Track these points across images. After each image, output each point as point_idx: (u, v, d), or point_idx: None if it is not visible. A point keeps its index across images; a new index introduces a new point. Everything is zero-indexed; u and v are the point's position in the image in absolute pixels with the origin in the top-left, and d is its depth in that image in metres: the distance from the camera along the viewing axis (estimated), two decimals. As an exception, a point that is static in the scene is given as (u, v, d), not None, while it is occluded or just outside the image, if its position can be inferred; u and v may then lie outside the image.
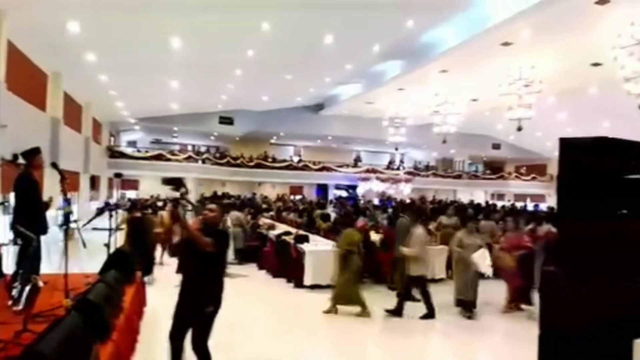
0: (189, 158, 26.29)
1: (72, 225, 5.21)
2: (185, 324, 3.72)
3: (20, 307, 3.99)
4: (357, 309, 6.82)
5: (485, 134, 29.94)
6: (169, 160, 25.33)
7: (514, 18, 10.81)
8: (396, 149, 29.10)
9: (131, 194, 26.64)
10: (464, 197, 28.16)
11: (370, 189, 29.33)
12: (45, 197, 5.73)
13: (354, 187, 30.42)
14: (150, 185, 24.65)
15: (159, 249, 9.81)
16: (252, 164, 27.93)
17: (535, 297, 6.41)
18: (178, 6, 10.59)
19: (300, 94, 22.54)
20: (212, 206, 4.02)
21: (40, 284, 4.04)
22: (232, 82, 18.16)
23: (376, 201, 25.02)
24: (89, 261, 6.42)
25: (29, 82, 12.66)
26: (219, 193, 24.26)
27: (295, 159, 31.35)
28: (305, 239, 9.27)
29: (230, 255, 9.98)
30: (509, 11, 10.80)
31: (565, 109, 21.43)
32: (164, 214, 10.41)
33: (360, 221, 10.09)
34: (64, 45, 11.98)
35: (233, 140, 29.21)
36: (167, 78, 16.79)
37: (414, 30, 13.21)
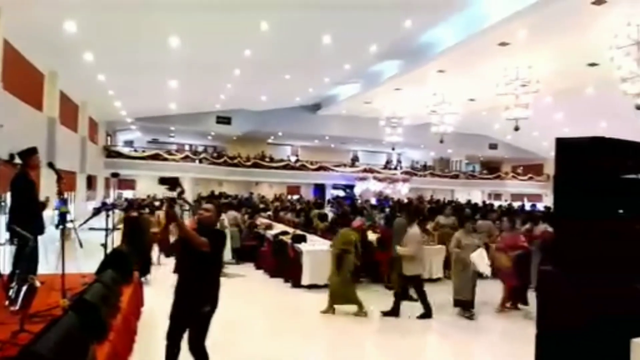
0: (186, 158, 26.26)
1: (69, 225, 5.19)
2: (181, 324, 3.71)
3: (17, 307, 3.98)
4: (354, 308, 6.83)
5: (483, 134, 30.01)
6: (166, 160, 25.29)
7: (511, 18, 10.84)
8: (393, 149, 29.13)
9: (128, 194, 26.59)
10: (461, 197, 28.23)
11: (367, 188, 29.36)
12: (41, 197, 5.71)
13: (351, 187, 30.45)
14: (147, 185, 24.61)
15: (155, 249, 9.79)
16: (249, 163, 27.92)
17: (532, 296, 6.42)
18: (176, 6, 10.57)
19: (299, 94, 22.54)
20: (208, 206, 4.01)
21: (37, 284, 4.03)
22: (231, 82, 18.15)
23: (373, 201, 25.03)
24: (85, 261, 6.40)
25: (25, 81, 12.61)
26: (216, 193, 24.23)
27: (293, 158, 31.34)
28: (302, 239, 9.27)
29: (228, 255, 9.96)
30: (506, 11, 10.83)
31: (562, 109, 21.51)
32: (161, 214, 10.40)
33: (358, 221, 10.08)
34: (60, 45, 11.94)
35: (230, 140, 29.18)
36: (165, 78, 16.76)
37: (411, 30, 13.22)
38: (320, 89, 21.82)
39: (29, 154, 5.31)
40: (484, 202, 24.57)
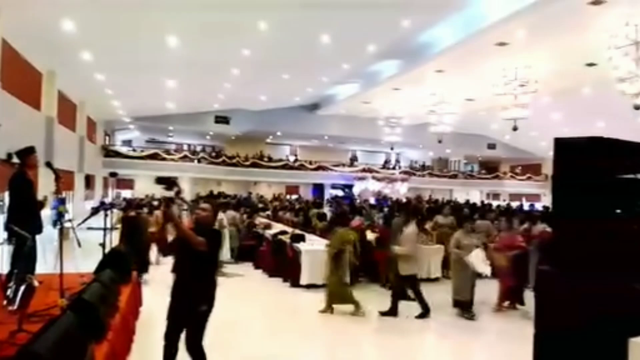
0: (184, 157, 26.24)
1: (67, 224, 5.18)
2: (179, 324, 3.71)
3: (15, 306, 3.97)
4: (352, 308, 6.83)
5: (481, 134, 30.05)
6: (164, 159, 25.29)
7: (509, 18, 10.85)
8: (391, 149, 29.17)
9: (126, 194, 26.56)
10: (460, 197, 28.27)
11: (366, 188, 29.38)
12: (39, 197, 5.70)
13: (350, 187, 30.46)
14: (145, 184, 24.57)
15: (154, 249, 9.78)
16: (248, 163, 27.90)
17: (531, 296, 6.43)
18: (175, 5, 10.56)
19: (297, 94, 22.53)
20: (205, 205, 4.01)
21: (35, 283, 4.02)
22: (229, 82, 18.14)
23: (372, 200, 25.05)
24: (84, 261, 6.39)
25: (23, 80, 12.59)
26: (215, 192, 24.22)
27: (292, 158, 31.34)
28: (301, 239, 9.27)
29: (227, 254, 9.96)
30: (504, 11, 10.84)
31: (560, 109, 21.54)
32: (159, 214, 10.38)
33: (356, 220, 10.10)
34: (58, 44, 11.92)
35: (229, 140, 29.17)
36: (164, 77, 16.75)
37: (410, 30, 13.23)
38: (319, 89, 21.82)
39: (27, 153, 5.30)
40: (482, 202, 24.61)
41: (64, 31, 10.94)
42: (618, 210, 3.01)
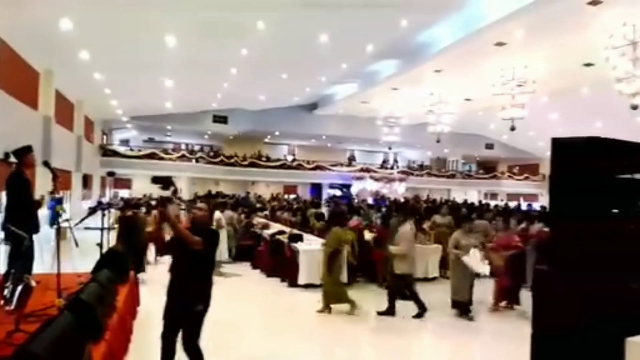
0: (182, 157, 26.21)
1: (64, 224, 5.17)
2: (175, 324, 3.71)
3: (12, 307, 3.96)
4: (348, 307, 6.84)
5: (479, 134, 30.11)
6: (162, 159, 25.25)
7: (507, 18, 10.87)
8: (389, 148, 29.20)
9: (124, 193, 26.51)
10: (457, 197, 28.29)
11: (364, 188, 29.38)
12: (37, 196, 5.68)
13: (348, 186, 30.47)
14: (143, 184, 24.53)
15: (152, 248, 9.77)
16: (246, 163, 27.89)
17: (528, 296, 6.45)
18: (173, 4, 10.55)
19: (296, 94, 22.53)
20: (201, 205, 4.02)
21: (33, 283, 4.01)
22: (227, 81, 18.12)
23: (370, 200, 25.06)
24: (81, 261, 6.38)
25: (20, 80, 12.55)
26: (213, 192, 24.20)
27: (290, 158, 31.33)
28: (299, 238, 9.26)
29: (225, 254, 9.95)
30: (502, 11, 10.86)
31: (558, 109, 21.60)
32: (157, 213, 10.36)
33: (354, 220, 10.11)
34: (56, 43, 11.89)
35: (227, 139, 29.15)
36: (162, 77, 16.72)
37: (408, 30, 13.24)
38: (317, 89, 21.82)
39: (24, 152, 5.28)
40: (480, 201, 24.64)
41: (62, 30, 10.90)
42: (615, 210, 3.02)
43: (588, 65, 14.42)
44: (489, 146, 31.90)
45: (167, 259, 3.89)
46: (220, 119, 25.08)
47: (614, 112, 15.20)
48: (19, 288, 3.92)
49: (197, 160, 26.37)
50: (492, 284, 7.45)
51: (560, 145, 3.18)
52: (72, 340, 2.96)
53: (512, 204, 25.28)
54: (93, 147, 22.89)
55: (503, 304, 7.40)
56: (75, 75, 15.05)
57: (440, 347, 6.08)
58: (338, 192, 30.95)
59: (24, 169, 5.26)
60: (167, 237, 4.05)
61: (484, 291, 7.42)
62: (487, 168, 35.71)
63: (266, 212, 16.05)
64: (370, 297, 7.77)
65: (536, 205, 24.30)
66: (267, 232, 10.75)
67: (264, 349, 5.42)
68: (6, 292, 4.22)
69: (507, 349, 5.48)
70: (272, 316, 6.91)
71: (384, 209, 14.10)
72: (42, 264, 5.52)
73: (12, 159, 5.39)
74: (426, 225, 10.61)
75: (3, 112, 10.09)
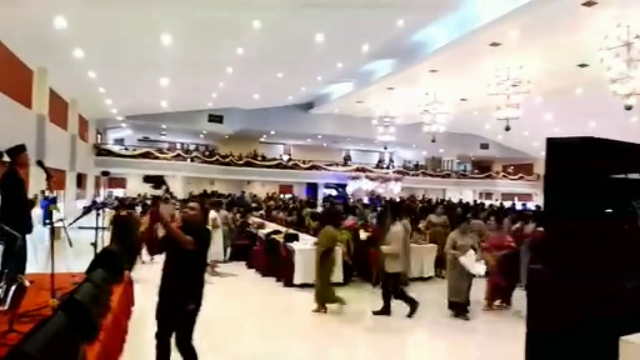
0: (177, 156, 26.13)
1: (58, 224, 5.14)
2: (168, 323, 3.70)
3: (5, 307, 3.93)
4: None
5: (474, 134, 30.20)
6: (157, 158, 25.16)
7: (502, 19, 10.92)
8: (385, 148, 29.22)
9: (118, 193, 26.40)
10: (453, 197, 28.39)
11: (359, 187, 29.43)
12: (30, 196, 5.65)
13: (343, 186, 30.49)
14: (137, 183, 24.38)
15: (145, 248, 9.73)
16: (241, 162, 27.84)
17: (521, 295, 6.47)
18: (169, 3, 10.50)
19: (291, 93, 22.51)
20: (193, 204, 4.00)
21: (27, 283, 3.98)
22: (223, 80, 18.07)
23: (366, 200, 25.09)
24: (75, 260, 6.35)
25: (13, 78, 12.46)
26: (208, 192, 24.14)
27: (285, 157, 31.30)
28: (295, 238, 9.27)
29: (221, 254, 9.92)
30: (497, 12, 10.90)
31: (552, 109, 21.71)
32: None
33: (350, 220, 10.12)
34: (50, 41, 11.80)
35: (222, 139, 29.08)
36: (157, 75, 16.65)
37: (404, 30, 13.27)
38: (313, 88, 21.82)
39: (18, 151, 5.24)
40: (475, 201, 24.74)
41: (56, 29, 10.82)
42: (609, 210, 3.03)
43: (583, 65, 14.50)
44: (484, 146, 32.02)
45: (161, 259, 3.87)
46: (216, 118, 25.00)
47: (608, 112, 15.29)
48: (13, 288, 3.90)
49: (192, 160, 26.29)
50: (484, 283, 7.47)
51: (554, 145, 3.19)
52: (66, 340, 2.94)
53: (507, 204, 25.41)
54: (87, 146, 22.76)
55: (497, 302, 7.43)
56: (70, 73, 14.96)
57: (436, 346, 6.10)
58: (334, 192, 30.97)
59: (17, 168, 5.22)
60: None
61: (476, 291, 7.43)
62: (482, 168, 35.85)
63: (262, 212, 16.04)
64: (366, 297, 7.78)
65: (531, 205, 24.44)
66: (262, 232, 10.74)
67: (259, 348, 5.41)
68: (0, 292, 4.18)
69: (502, 348, 5.51)
70: (268, 316, 6.91)
71: (379, 209, 14.12)
72: (36, 264, 5.49)
73: (6, 158, 5.35)
74: (422, 224, 10.65)
75: (-4, 110, 10.03)
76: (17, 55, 12.50)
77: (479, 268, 6.69)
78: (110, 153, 24.73)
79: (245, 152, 28.72)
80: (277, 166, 29.02)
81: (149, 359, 3.78)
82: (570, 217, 3.01)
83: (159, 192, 4.05)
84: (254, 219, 12.60)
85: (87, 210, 8.45)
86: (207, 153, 28.01)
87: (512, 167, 34.72)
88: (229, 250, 10.98)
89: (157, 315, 3.74)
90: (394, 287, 6.81)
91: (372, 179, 29.80)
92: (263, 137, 30.13)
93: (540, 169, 30.82)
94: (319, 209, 15.62)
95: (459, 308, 6.83)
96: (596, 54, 11.30)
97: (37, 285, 4.55)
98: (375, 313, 6.78)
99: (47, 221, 9.21)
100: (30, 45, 11.96)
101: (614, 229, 2.98)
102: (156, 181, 3.92)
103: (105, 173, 12.44)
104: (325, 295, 6.85)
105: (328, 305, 6.87)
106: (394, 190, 29.46)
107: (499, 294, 7.41)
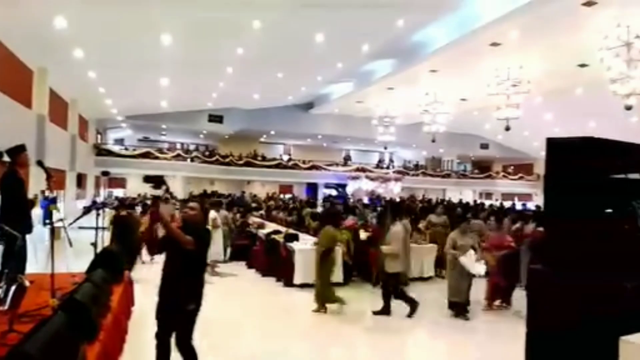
0: (177, 156, 26.13)
1: (58, 224, 5.13)
2: (168, 323, 3.70)
3: (5, 307, 3.93)
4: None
5: (474, 134, 30.20)
6: (157, 158, 25.15)
7: (502, 19, 10.91)
8: (385, 148, 29.22)
9: (118, 193, 26.40)
10: (453, 197, 28.39)
11: (359, 187, 29.43)
12: (30, 195, 5.64)
13: (343, 186, 30.50)
14: (137, 183, 24.38)
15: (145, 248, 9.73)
16: (241, 162, 27.83)
17: (521, 295, 6.47)
18: (169, 3, 10.50)
19: (291, 93, 22.51)
20: (193, 204, 4.00)
21: (27, 283, 3.98)
22: (223, 80, 18.07)
23: (366, 200, 25.09)
24: (75, 260, 6.35)
25: (13, 78, 12.46)
26: (209, 192, 24.14)
27: (285, 157, 31.30)
28: (295, 238, 9.27)
29: (221, 254, 9.92)
30: (497, 12, 10.90)
31: (552, 109, 21.70)
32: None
33: (350, 220, 10.11)
34: (50, 41, 11.80)
35: (222, 139, 29.08)
36: (157, 75, 16.65)
37: (404, 30, 13.27)
38: (313, 88, 21.81)
39: (18, 151, 5.24)
40: (475, 201, 24.74)
41: (56, 29, 10.82)
42: (609, 210, 3.03)
43: (583, 65, 14.50)
44: (484, 146, 32.02)
45: (161, 259, 3.87)
46: (216, 118, 24.99)
47: (608, 112, 15.29)
48: (13, 288, 3.90)
49: (192, 160, 26.29)
50: (484, 283, 7.47)
51: (555, 145, 3.19)
52: (66, 340, 2.94)
53: (507, 204, 25.41)
54: (87, 146, 22.76)
55: (497, 302, 7.43)
56: (70, 73, 14.96)
57: (436, 346, 6.10)
58: (334, 192, 30.97)
59: (17, 168, 5.22)
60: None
61: (476, 291, 7.43)
62: (482, 168, 35.85)
63: (262, 212, 16.04)
64: (366, 297, 7.78)
65: (531, 205, 24.44)
66: (262, 232, 10.74)
67: (259, 348, 5.41)
68: (0, 292, 4.18)
69: (502, 348, 5.51)
70: (268, 316, 6.91)
71: (379, 209, 14.12)
72: (36, 264, 5.49)
73: (6, 158, 5.35)
74: (422, 225, 10.65)
75: (-4, 110, 10.03)
76: (17, 55, 12.50)
77: (479, 268, 6.69)
78: (110, 153, 24.72)
79: (245, 152, 28.72)
80: (277, 166, 29.02)
81: (149, 359, 3.78)
82: (571, 217, 3.01)
83: (159, 192, 4.05)
84: (254, 219, 12.60)
85: (87, 210, 8.45)
86: (207, 153, 28.01)
87: (512, 167, 34.72)
88: (228, 250, 10.99)
89: (157, 315, 3.74)
90: (394, 287, 6.81)
91: (372, 179, 29.80)
92: (263, 137, 30.13)
93: (540, 169, 30.82)
94: (319, 209, 15.61)
95: (459, 308, 6.82)
96: (596, 54, 11.30)
97: (37, 285, 4.55)
98: (375, 313, 6.78)
99: (47, 221, 9.23)
100: (30, 45, 11.96)
101: (614, 229, 2.98)
102: (156, 181, 3.92)
103: (105, 173, 12.43)
104: (325, 295, 6.85)
105: (328, 305, 6.87)
106: (394, 190, 29.46)
107: (498, 294, 7.41)
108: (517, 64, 14.06)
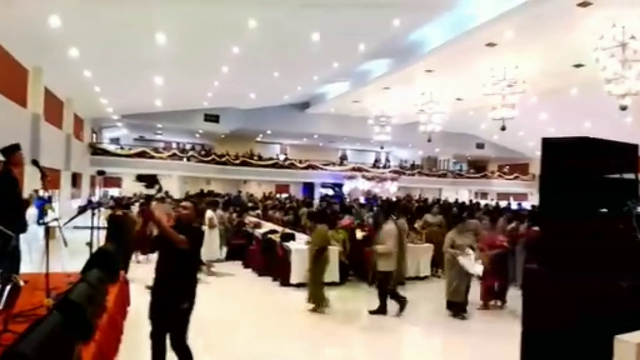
0: (173, 156, 26.05)
1: (53, 223, 5.10)
2: (162, 323, 3.70)
3: (0, 307, 3.90)
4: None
5: (470, 133, 30.29)
6: (152, 157, 25.06)
7: (498, 19, 10.95)
8: (381, 148, 29.27)
9: (114, 192, 26.28)
10: (449, 196, 28.47)
11: (356, 187, 29.45)
12: (25, 195, 5.61)
13: (340, 186, 30.51)
14: (133, 183, 24.25)
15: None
16: (237, 162, 27.78)
17: (518, 294, 6.49)
18: (164, 1, 10.46)
19: (287, 92, 22.49)
20: (186, 204, 4.01)
21: (21, 283, 3.96)
22: (219, 80, 18.03)
23: (362, 199, 25.11)
24: (70, 260, 6.31)
25: (8, 77, 12.39)
26: (205, 191, 24.08)
27: (282, 157, 31.28)
28: (291, 237, 9.26)
29: (217, 253, 9.90)
30: (493, 12, 10.93)
31: (548, 109, 21.79)
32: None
33: (346, 219, 10.12)
34: (45, 40, 11.73)
35: (218, 138, 29.02)
36: (153, 75, 16.59)
37: (400, 30, 13.28)
38: (309, 87, 21.80)
39: (12, 150, 5.20)
40: (470, 201, 24.81)
41: (51, 28, 10.75)
42: (604, 210, 3.05)
43: (578, 66, 14.56)
44: (480, 146, 32.12)
45: (155, 258, 3.86)
46: (212, 117, 24.94)
47: (603, 112, 15.39)
48: (7, 288, 3.87)
49: (188, 159, 26.24)
50: (478, 283, 7.48)
51: (550, 145, 3.21)
52: (61, 340, 2.93)
53: (503, 204, 25.49)
54: (82, 145, 22.66)
55: (493, 302, 7.44)
56: (65, 72, 14.88)
57: (432, 345, 6.11)
58: (330, 192, 30.98)
59: (12, 167, 5.19)
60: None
61: (471, 291, 7.45)
62: (478, 167, 35.96)
63: (258, 211, 16.01)
64: (362, 296, 7.79)
65: (526, 205, 24.54)
66: (259, 231, 10.72)
67: (256, 348, 5.40)
68: (-6, 292, 4.16)
69: (497, 348, 5.52)
70: (264, 315, 6.90)
71: (375, 208, 14.13)
72: (30, 264, 5.46)
73: (0, 158, 5.31)
74: (418, 224, 10.67)
75: (-9, 109, 9.97)
76: (12, 54, 12.43)
77: (478, 268, 6.70)
78: (105, 152, 24.63)
79: (242, 151, 28.67)
80: (274, 166, 29.00)
81: (145, 359, 3.77)
82: (566, 216, 3.03)
83: (151, 191, 4.05)
84: (250, 219, 12.58)
85: (82, 210, 8.40)
86: (203, 152, 27.95)
87: (507, 167, 34.86)
88: (224, 249, 10.98)
89: (150, 314, 3.74)
90: (381, 283, 6.80)
91: (368, 179, 29.82)
92: (259, 137, 30.09)
93: (535, 168, 30.96)
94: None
95: (457, 308, 6.83)
96: (591, 54, 11.35)
97: (31, 285, 4.53)
98: (372, 312, 6.78)
99: (41, 220, 9.18)
100: (25, 44, 11.89)
101: (609, 229, 3.00)
102: (149, 180, 3.92)
103: (100, 172, 12.31)
104: (315, 295, 6.83)
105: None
106: (390, 189, 29.50)
107: (492, 294, 7.43)
108: (513, 64, 14.11)
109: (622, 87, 11.18)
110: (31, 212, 9.60)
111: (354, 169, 30.82)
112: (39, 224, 9.29)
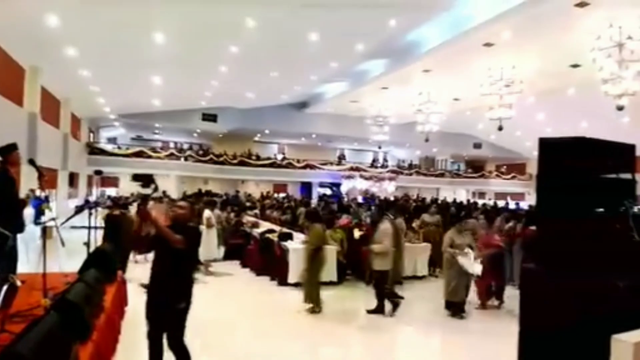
0: (171, 155, 25.99)
1: (50, 223, 5.09)
2: (159, 322, 3.70)
3: (-4, 307, 3.90)
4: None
5: (467, 133, 30.34)
6: (150, 157, 24.99)
7: (495, 19, 10.98)
8: (379, 147, 29.28)
9: (111, 192, 26.23)
10: (447, 196, 28.50)
11: (354, 186, 29.47)
12: (22, 195, 5.59)
13: (337, 185, 30.52)
14: (130, 183, 24.19)
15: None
16: (235, 161, 27.75)
17: (515, 294, 6.50)
18: (163, 1, 10.44)
19: (285, 92, 22.48)
20: (182, 203, 4.03)
21: (18, 283, 3.96)
22: (216, 79, 18.01)
23: (360, 199, 25.12)
24: (68, 260, 6.30)
25: (5, 76, 12.35)
26: (203, 191, 24.04)
27: (279, 156, 31.27)
28: (289, 237, 9.26)
29: (215, 253, 9.89)
30: (490, 12, 10.96)
31: (545, 109, 21.85)
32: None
33: (344, 219, 10.12)
34: (42, 39, 11.69)
35: (216, 138, 28.98)
36: (150, 74, 16.56)
37: (397, 30, 13.29)
38: (307, 87, 21.80)
39: (9, 150, 5.17)
40: (468, 200, 24.86)
41: (48, 26, 10.72)
42: (601, 210, 3.06)
43: (575, 66, 14.61)
44: (477, 146, 32.18)
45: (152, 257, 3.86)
46: (210, 117, 24.89)
47: (600, 112, 15.43)
48: (4, 288, 3.86)
49: (186, 159, 26.19)
50: (475, 282, 7.49)
51: (547, 145, 3.21)
52: (58, 340, 2.92)
53: (500, 203, 25.54)
54: (80, 145, 22.59)
55: (490, 302, 7.46)
56: (62, 72, 14.83)
57: (430, 345, 6.12)
58: (328, 191, 30.98)
59: (8, 167, 5.16)
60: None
61: (473, 290, 7.47)
62: (476, 167, 36.05)
63: (256, 211, 16.01)
64: (360, 296, 7.79)
65: (523, 204, 24.60)
66: (256, 231, 10.72)
67: (253, 347, 5.41)
68: (-9, 292, 4.15)
69: (495, 347, 5.52)
70: (262, 315, 6.89)
71: (373, 208, 14.14)
72: (27, 264, 5.44)
73: (-3, 157, 5.29)
74: (415, 224, 10.69)
75: (-13, 109, 9.93)
76: (8, 53, 12.39)
77: (477, 268, 6.70)
78: (103, 152, 24.54)
79: (240, 151, 28.64)
80: (272, 165, 28.98)
81: (143, 359, 3.77)
82: (563, 216, 3.03)
83: (147, 191, 4.05)
84: (248, 218, 12.58)
85: (79, 210, 8.38)
86: (201, 152, 27.90)
87: (505, 167, 34.95)
88: (222, 249, 10.97)
89: (147, 314, 3.74)
90: (380, 283, 6.81)
91: (366, 178, 29.86)
92: (257, 136, 30.06)
93: (532, 168, 31.03)
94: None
95: (456, 308, 6.83)
96: (588, 55, 11.39)
97: (29, 285, 4.52)
98: (369, 312, 6.79)
99: (38, 220, 9.15)
100: (22, 43, 11.85)
101: (606, 228, 3.01)
102: (145, 180, 3.92)
103: (98, 172, 12.31)
104: (310, 295, 6.82)
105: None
106: (388, 189, 29.54)
107: (490, 293, 7.44)
108: (510, 64, 14.14)
109: (619, 88, 11.22)
110: (28, 212, 9.57)
111: (351, 169, 30.84)
112: (36, 223, 9.25)
